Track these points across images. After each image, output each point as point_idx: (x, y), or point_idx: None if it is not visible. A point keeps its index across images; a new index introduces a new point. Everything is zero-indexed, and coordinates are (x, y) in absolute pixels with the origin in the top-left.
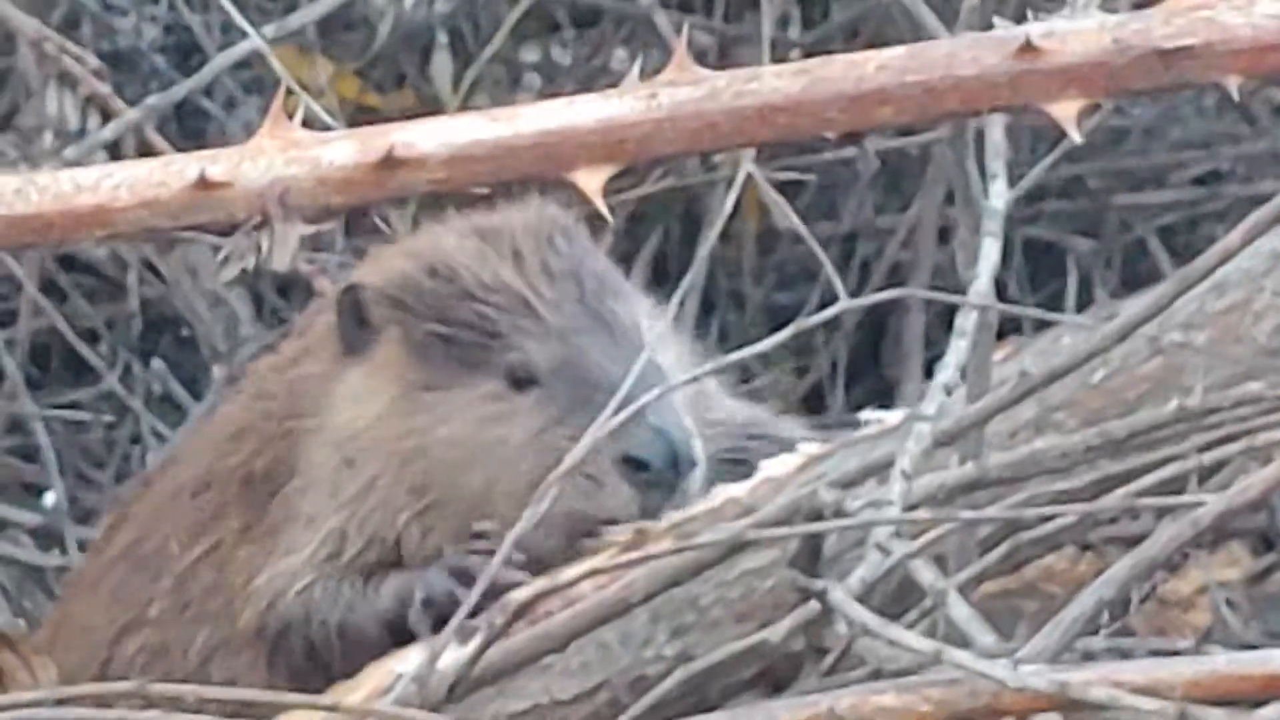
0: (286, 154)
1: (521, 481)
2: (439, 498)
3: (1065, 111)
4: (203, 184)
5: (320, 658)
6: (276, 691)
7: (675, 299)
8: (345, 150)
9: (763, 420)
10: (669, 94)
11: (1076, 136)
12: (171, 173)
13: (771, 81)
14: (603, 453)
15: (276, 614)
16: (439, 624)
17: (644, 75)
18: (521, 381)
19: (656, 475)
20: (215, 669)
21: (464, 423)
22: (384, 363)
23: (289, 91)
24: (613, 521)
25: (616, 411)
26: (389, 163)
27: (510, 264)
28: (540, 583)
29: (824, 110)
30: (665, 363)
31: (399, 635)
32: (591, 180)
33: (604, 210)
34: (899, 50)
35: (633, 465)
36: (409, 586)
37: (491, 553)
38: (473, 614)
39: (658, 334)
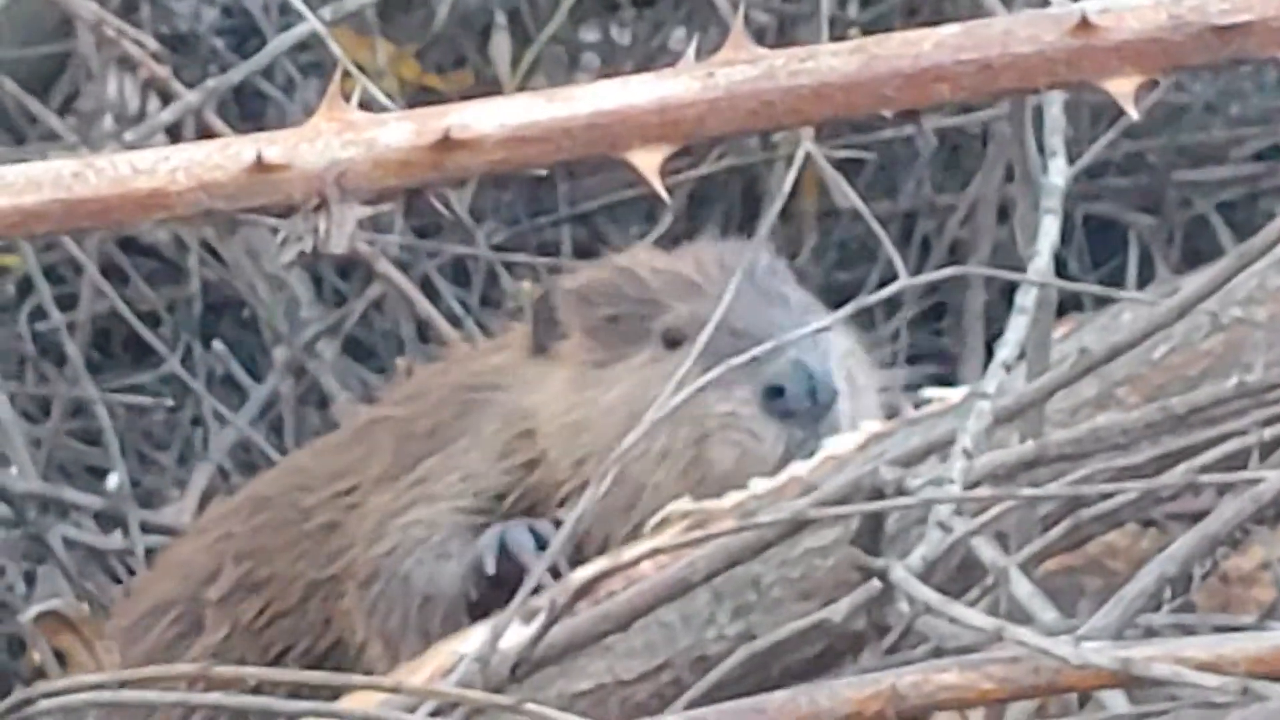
0: (343, 136)
1: (678, 437)
2: (600, 468)
3: (1122, 88)
4: (260, 166)
5: (421, 620)
6: (339, 674)
7: (736, 278)
8: (402, 132)
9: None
10: (725, 73)
11: (1134, 113)
12: (229, 155)
13: (828, 60)
14: (746, 393)
15: (395, 559)
16: (503, 579)
17: (702, 54)
18: (675, 342)
19: (796, 403)
20: (312, 608)
21: (623, 389)
22: (566, 353)
23: (347, 74)
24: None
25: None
26: (446, 144)
27: (689, 259)
28: (602, 562)
29: (880, 89)
30: (857, 380)
31: (480, 591)
32: (648, 160)
33: (661, 190)
34: (955, 28)
35: (771, 395)
36: (494, 533)
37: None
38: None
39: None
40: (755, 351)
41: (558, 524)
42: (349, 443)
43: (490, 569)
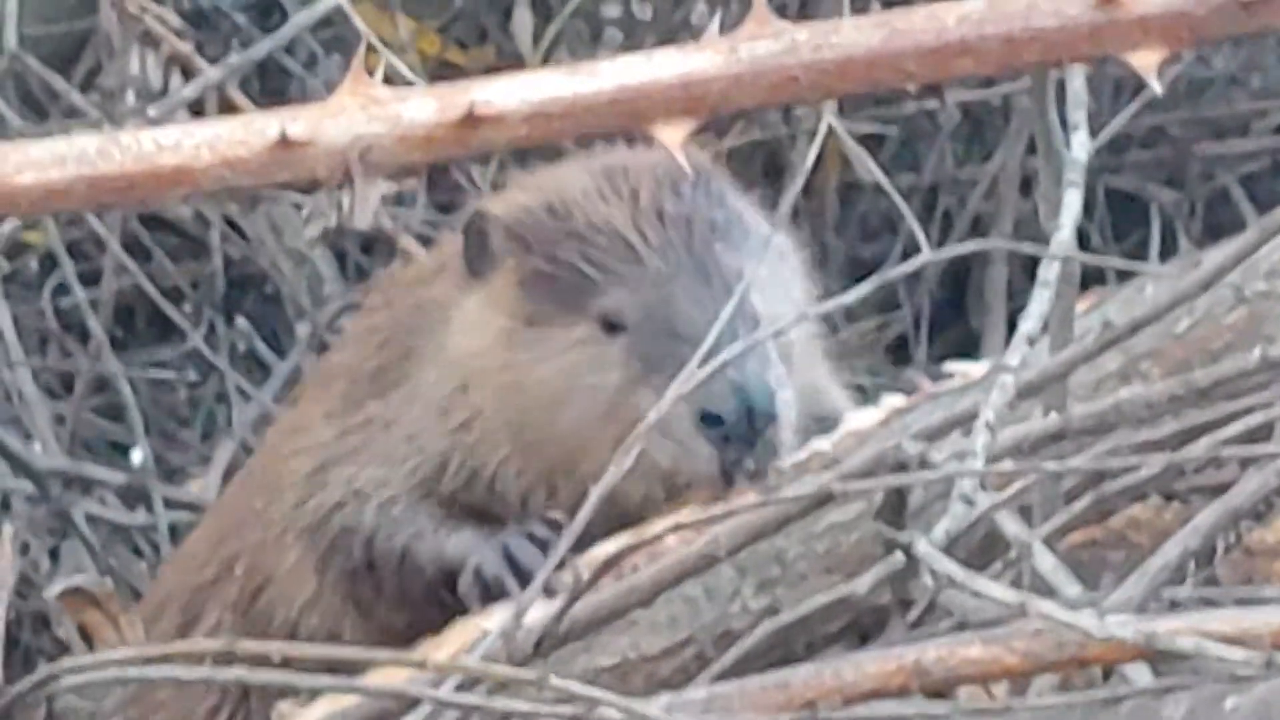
0: (367, 112)
1: (606, 434)
2: (533, 439)
3: (1145, 61)
4: (284, 142)
5: (373, 575)
6: (365, 649)
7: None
8: (425, 107)
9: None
10: (748, 48)
11: (1157, 87)
12: (252, 131)
13: (850, 34)
14: (683, 410)
15: (345, 516)
16: (484, 599)
17: (724, 29)
18: (613, 327)
19: (732, 429)
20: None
21: (557, 365)
22: (498, 294)
23: (370, 49)
24: (697, 481)
25: (701, 366)
26: (469, 119)
27: (625, 206)
28: (625, 538)
29: (903, 63)
30: (779, 311)
31: (449, 586)
32: (671, 134)
33: (684, 164)
34: (979, 2)
35: (708, 421)
36: (472, 548)
37: (560, 529)
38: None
39: (781, 277)
40: (695, 379)
41: (549, 524)
42: (308, 394)
43: (512, 587)
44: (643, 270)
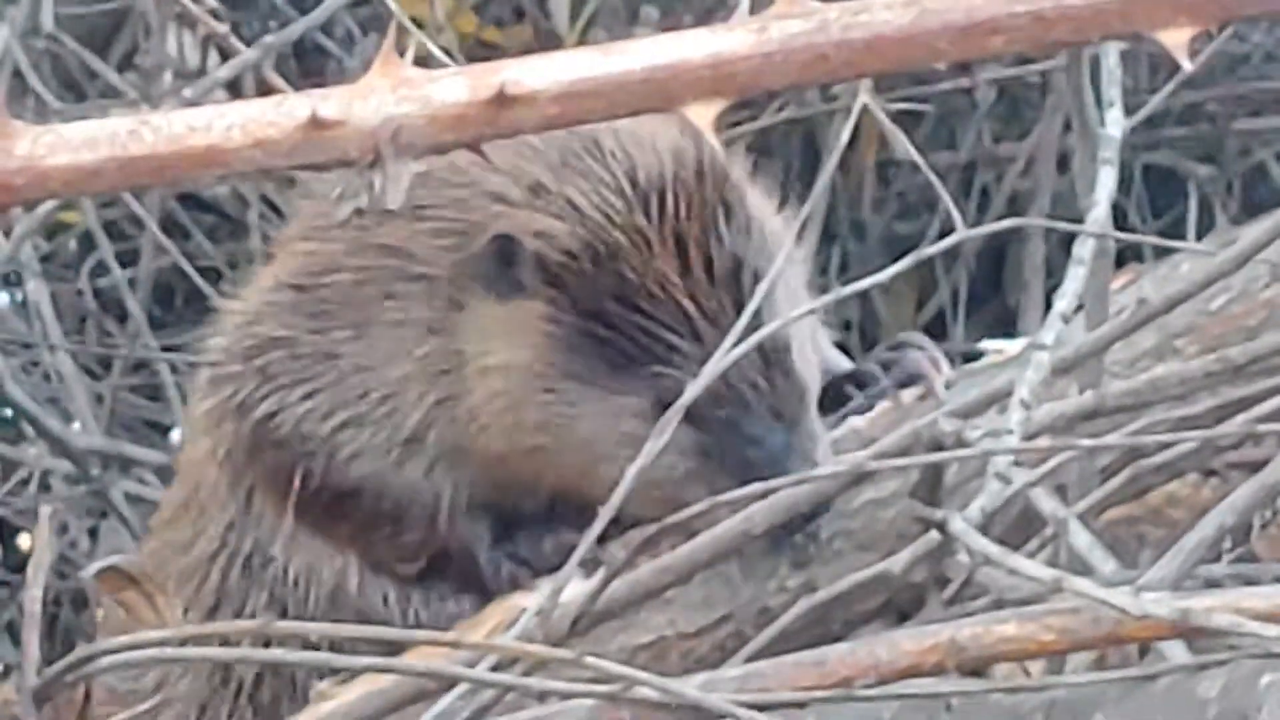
0: (398, 92)
1: (649, 502)
2: (561, 487)
3: (1176, 39)
4: (315, 123)
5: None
6: (400, 629)
7: (795, 229)
8: (456, 87)
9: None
10: (779, 27)
11: (1188, 64)
12: (283, 112)
13: (881, 13)
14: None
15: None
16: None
17: (757, 7)
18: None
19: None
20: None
21: (607, 433)
22: (526, 328)
23: (405, 29)
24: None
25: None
26: (500, 100)
27: (672, 258)
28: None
29: (934, 41)
30: (796, 301)
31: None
32: (703, 115)
33: (716, 144)
34: None
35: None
36: (487, 539)
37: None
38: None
39: (792, 271)
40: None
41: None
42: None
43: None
44: (700, 348)
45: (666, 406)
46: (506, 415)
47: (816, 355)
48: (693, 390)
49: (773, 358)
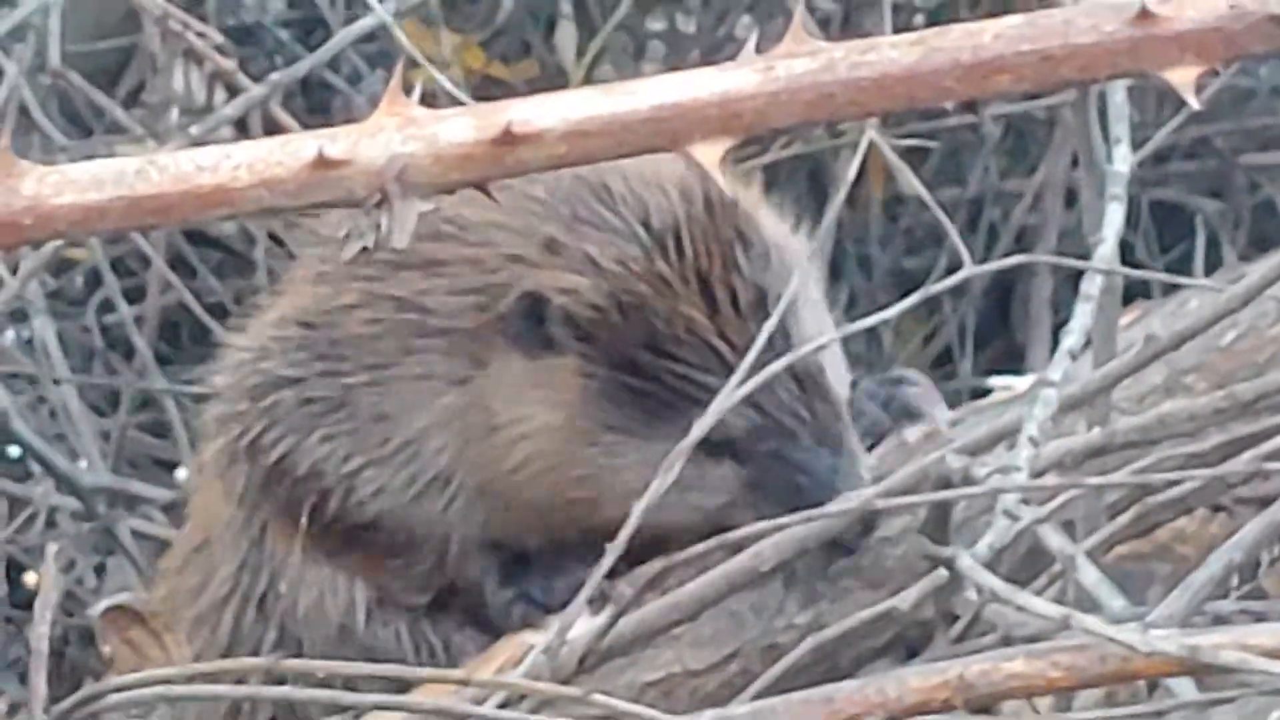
0: (404, 131)
1: (688, 534)
2: (602, 532)
3: (1183, 78)
4: (321, 162)
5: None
6: (408, 666)
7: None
8: (463, 127)
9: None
10: (785, 66)
11: (1194, 103)
12: (290, 152)
13: (888, 52)
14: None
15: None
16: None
17: (767, 43)
18: (715, 447)
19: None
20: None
21: (651, 480)
22: (560, 385)
23: (413, 64)
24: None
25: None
26: (507, 138)
27: (699, 299)
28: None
29: (941, 80)
30: (819, 326)
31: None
32: (709, 154)
33: (722, 183)
34: (1016, 19)
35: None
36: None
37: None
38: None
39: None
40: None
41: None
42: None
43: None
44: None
45: (713, 445)
46: (549, 473)
47: (843, 366)
48: (716, 409)
49: (808, 384)
